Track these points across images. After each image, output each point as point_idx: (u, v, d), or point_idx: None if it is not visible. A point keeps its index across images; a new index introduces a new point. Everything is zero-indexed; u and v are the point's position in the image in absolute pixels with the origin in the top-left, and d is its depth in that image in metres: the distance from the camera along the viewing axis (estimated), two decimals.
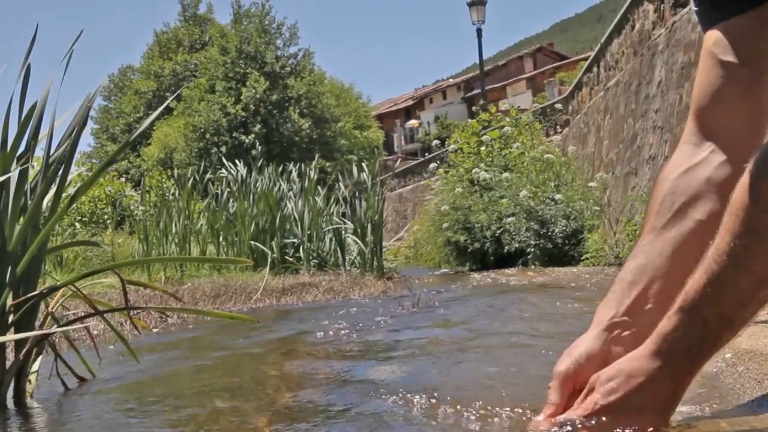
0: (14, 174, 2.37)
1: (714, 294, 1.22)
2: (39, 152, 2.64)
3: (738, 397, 1.66)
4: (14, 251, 2.36)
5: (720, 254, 1.22)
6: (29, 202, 2.45)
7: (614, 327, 1.45)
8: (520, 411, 1.58)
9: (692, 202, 1.45)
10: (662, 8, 10.11)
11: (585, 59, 21.00)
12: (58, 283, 2.57)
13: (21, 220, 2.43)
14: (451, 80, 63.89)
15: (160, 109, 3.12)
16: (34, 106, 2.46)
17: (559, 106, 18.63)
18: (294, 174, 10.69)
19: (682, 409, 1.43)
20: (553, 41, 77.49)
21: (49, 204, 2.52)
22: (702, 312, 1.24)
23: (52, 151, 2.49)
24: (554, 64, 45.92)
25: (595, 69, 14.74)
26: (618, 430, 1.26)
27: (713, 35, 1.47)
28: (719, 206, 1.43)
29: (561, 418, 1.37)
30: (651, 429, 1.27)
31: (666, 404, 1.30)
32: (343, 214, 10.28)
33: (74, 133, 2.49)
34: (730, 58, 1.44)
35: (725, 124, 1.46)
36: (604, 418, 1.29)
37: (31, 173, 2.55)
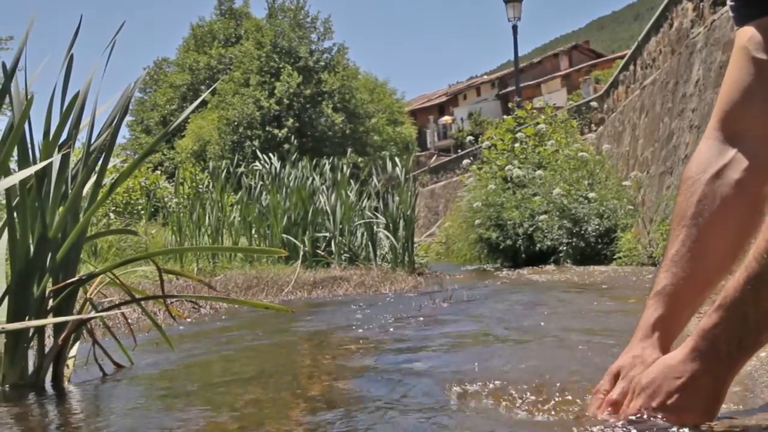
0: (56, 162, 2.41)
1: (754, 291, 1.21)
2: (78, 142, 2.69)
3: None
4: (55, 238, 2.39)
5: (761, 252, 1.21)
6: (70, 190, 2.49)
7: (659, 341, 1.45)
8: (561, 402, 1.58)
9: (726, 210, 1.44)
10: (701, 6, 9.98)
11: (621, 57, 20.82)
12: (97, 270, 2.61)
13: (61, 207, 2.47)
14: (485, 77, 63.60)
15: (199, 100, 3.16)
16: (76, 96, 2.50)
17: (594, 104, 18.47)
18: (327, 168, 10.72)
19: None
20: (590, 39, 76.90)
21: (89, 192, 2.56)
22: (742, 309, 1.23)
23: (93, 140, 2.52)
24: (590, 62, 45.57)
25: (631, 67, 14.60)
26: (663, 428, 1.26)
27: (748, 31, 1.46)
28: (750, 210, 1.42)
29: (609, 418, 1.37)
30: (696, 424, 1.26)
31: (709, 403, 1.29)
32: (376, 209, 10.29)
33: (115, 122, 2.53)
34: (763, 55, 1.42)
35: (753, 123, 1.44)
36: (648, 419, 1.29)
37: (72, 161, 2.59)
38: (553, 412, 1.54)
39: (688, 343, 1.29)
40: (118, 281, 2.66)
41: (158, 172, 17.41)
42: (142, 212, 12.73)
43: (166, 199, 13.47)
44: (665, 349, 1.44)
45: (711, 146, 1.50)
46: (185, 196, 9.93)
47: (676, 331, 1.49)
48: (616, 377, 1.44)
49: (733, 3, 1.50)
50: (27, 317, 2.34)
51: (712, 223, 1.44)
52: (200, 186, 10.73)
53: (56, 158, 2.40)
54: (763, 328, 1.24)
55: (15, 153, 2.41)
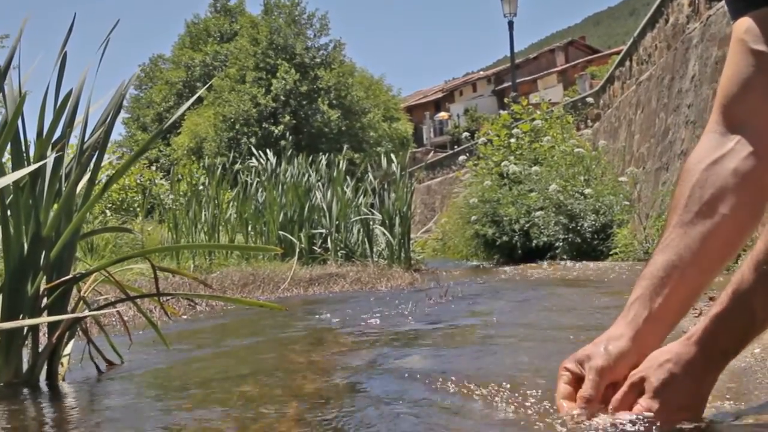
0: (50, 160, 2.41)
1: (762, 285, 1.21)
2: (72, 139, 2.68)
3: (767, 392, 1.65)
4: (48, 236, 2.39)
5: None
6: (63, 187, 2.48)
7: (647, 324, 1.44)
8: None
9: (720, 196, 1.42)
10: (697, 2, 9.99)
11: (617, 53, 20.82)
12: (91, 268, 2.60)
13: (55, 205, 2.47)
14: (481, 73, 63.58)
15: (194, 97, 3.15)
16: (69, 94, 2.49)
17: (590, 99, 18.48)
18: (323, 164, 10.71)
19: (713, 404, 1.42)
20: (586, 34, 76.94)
21: (83, 190, 2.55)
22: (750, 304, 1.22)
23: (86, 138, 2.52)
24: (586, 58, 45.57)
25: (627, 63, 14.62)
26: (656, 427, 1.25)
27: (744, 23, 1.45)
28: (747, 199, 1.41)
29: (616, 418, 1.34)
30: (689, 425, 1.26)
31: (701, 400, 1.30)
32: (372, 206, 10.29)
33: (108, 120, 2.52)
34: (761, 47, 1.42)
35: (753, 114, 1.43)
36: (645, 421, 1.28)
37: (66, 159, 2.58)
38: (545, 413, 1.54)
39: (695, 340, 1.28)
40: (112, 279, 2.66)
41: (153, 168, 17.38)
42: (138, 209, 12.72)
43: (162, 196, 13.46)
44: (643, 328, 1.42)
45: (711, 138, 1.49)
46: (181, 193, 9.92)
47: (662, 314, 1.43)
48: (581, 360, 1.42)
49: None
50: (21, 315, 2.34)
51: (707, 210, 1.43)
52: (196, 183, 10.71)
53: (50, 157, 2.39)
54: (766, 325, 1.25)
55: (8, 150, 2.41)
